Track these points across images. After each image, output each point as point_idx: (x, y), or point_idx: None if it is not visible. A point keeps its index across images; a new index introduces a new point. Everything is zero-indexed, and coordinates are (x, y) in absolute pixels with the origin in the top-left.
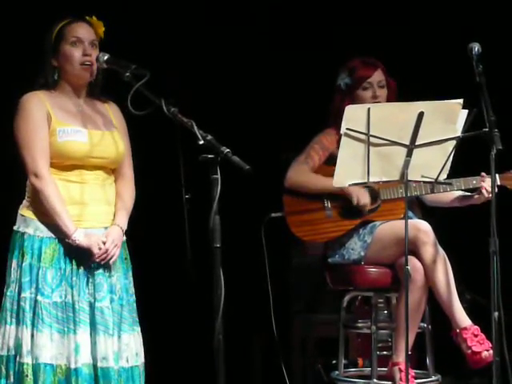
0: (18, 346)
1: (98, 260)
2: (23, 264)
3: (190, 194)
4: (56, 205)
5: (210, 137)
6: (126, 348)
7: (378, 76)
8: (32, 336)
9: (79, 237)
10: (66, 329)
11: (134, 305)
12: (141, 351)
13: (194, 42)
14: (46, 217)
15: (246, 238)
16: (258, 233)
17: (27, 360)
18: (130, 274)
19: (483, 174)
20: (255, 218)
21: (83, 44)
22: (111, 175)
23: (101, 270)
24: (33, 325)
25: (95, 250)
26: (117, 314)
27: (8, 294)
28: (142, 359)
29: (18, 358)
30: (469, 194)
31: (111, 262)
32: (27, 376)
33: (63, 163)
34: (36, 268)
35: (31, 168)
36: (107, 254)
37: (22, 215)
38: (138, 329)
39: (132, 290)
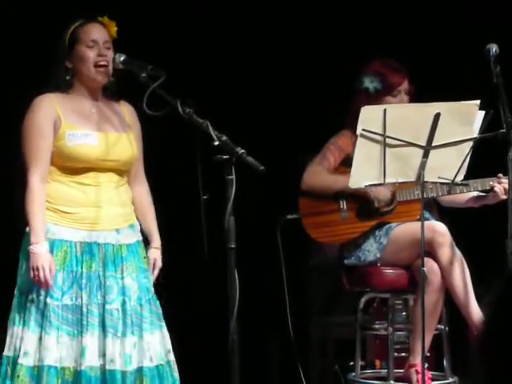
0: (21, 347)
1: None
2: None
3: (207, 195)
4: (34, 215)
5: (224, 137)
6: (149, 347)
7: (406, 83)
8: (40, 338)
9: (38, 249)
10: (75, 331)
11: (158, 303)
12: (165, 349)
13: (209, 41)
14: (58, 219)
15: (263, 239)
16: (275, 234)
17: (21, 361)
18: (151, 272)
19: (500, 175)
20: (272, 220)
21: (98, 45)
22: (124, 177)
23: (112, 273)
24: (41, 327)
25: (32, 273)
26: (135, 314)
27: (18, 295)
28: (169, 357)
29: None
30: (483, 194)
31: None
32: (18, 376)
33: (75, 166)
34: None
35: (26, 174)
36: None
37: None
38: (163, 327)
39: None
